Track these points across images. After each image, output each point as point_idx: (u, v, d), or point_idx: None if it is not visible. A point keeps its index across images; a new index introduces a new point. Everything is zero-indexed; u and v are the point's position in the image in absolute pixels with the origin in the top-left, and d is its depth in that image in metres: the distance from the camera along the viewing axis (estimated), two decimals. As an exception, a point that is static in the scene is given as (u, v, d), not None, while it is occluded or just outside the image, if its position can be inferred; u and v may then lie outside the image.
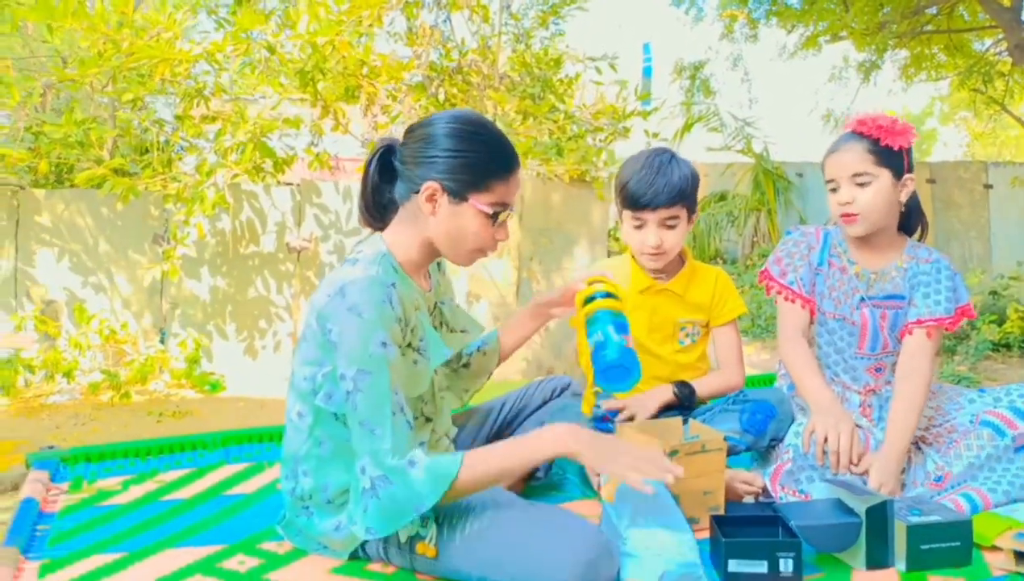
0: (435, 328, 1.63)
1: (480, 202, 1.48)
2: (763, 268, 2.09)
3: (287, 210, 4.82)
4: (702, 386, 2.02)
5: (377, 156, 1.57)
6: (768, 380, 2.75)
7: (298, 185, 4.93)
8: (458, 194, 1.48)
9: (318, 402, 1.48)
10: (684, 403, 1.97)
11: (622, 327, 1.54)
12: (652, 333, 2.04)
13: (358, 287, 1.41)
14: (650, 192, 1.90)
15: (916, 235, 2.05)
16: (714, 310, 2.06)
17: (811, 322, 2.02)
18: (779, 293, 2.01)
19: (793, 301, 1.99)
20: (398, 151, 1.55)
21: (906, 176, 1.91)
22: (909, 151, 1.91)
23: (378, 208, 1.60)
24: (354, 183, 4.99)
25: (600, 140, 5.29)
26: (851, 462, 1.76)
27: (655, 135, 5.34)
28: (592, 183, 5.05)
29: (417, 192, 1.49)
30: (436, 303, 1.67)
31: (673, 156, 1.97)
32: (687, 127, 8.92)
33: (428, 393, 1.62)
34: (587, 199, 5.13)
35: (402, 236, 1.55)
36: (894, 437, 1.80)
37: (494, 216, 1.49)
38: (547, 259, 5.13)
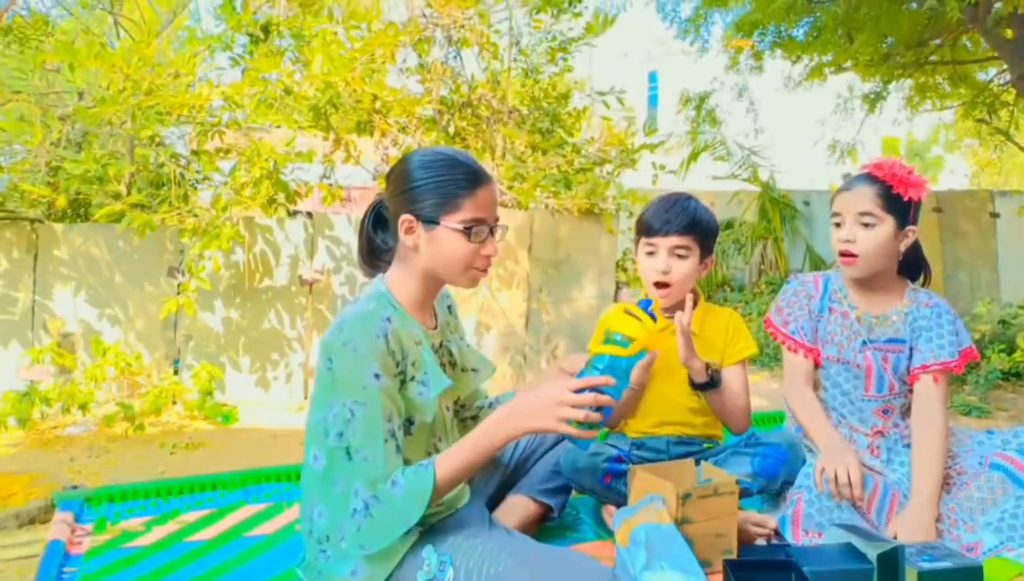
0: (442, 366, 1.67)
1: (451, 222, 1.53)
2: (766, 316, 2.15)
3: (300, 243, 4.89)
4: (724, 393, 2.00)
5: (372, 209, 1.67)
6: (778, 418, 2.77)
7: (309, 215, 5.00)
8: (430, 219, 1.53)
9: (331, 443, 1.52)
10: (711, 378, 1.96)
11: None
12: (668, 375, 2.06)
13: (353, 323, 1.48)
14: (663, 218, 1.97)
15: (919, 281, 2.09)
16: (727, 349, 2.08)
17: (815, 368, 2.07)
18: (783, 342, 2.07)
19: (796, 351, 2.05)
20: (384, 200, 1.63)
21: (909, 227, 1.96)
22: (918, 204, 1.96)
23: (372, 255, 1.69)
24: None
25: (607, 172, 5.36)
26: (860, 496, 1.78)
27: (662, 167, 5.42)
28: (601, 215, 5.11)
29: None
30: (442, 342, 1.71)
31: (693, 197, 2.04)
32: (693, 156, 8.99)
33: (440, 429, 1.66)
34: (596, 231, 5.19)
35: (399, 275, 1.61)
36: (921, 488, 1.82)
37: (467, 232, 1.53)
38: (556, 290, 5.18)
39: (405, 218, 1.55)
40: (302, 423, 1.62)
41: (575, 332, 5.17)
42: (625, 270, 6.00)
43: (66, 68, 4.22)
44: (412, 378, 1.55)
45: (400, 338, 1.52)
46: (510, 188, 5.05)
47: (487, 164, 5.21)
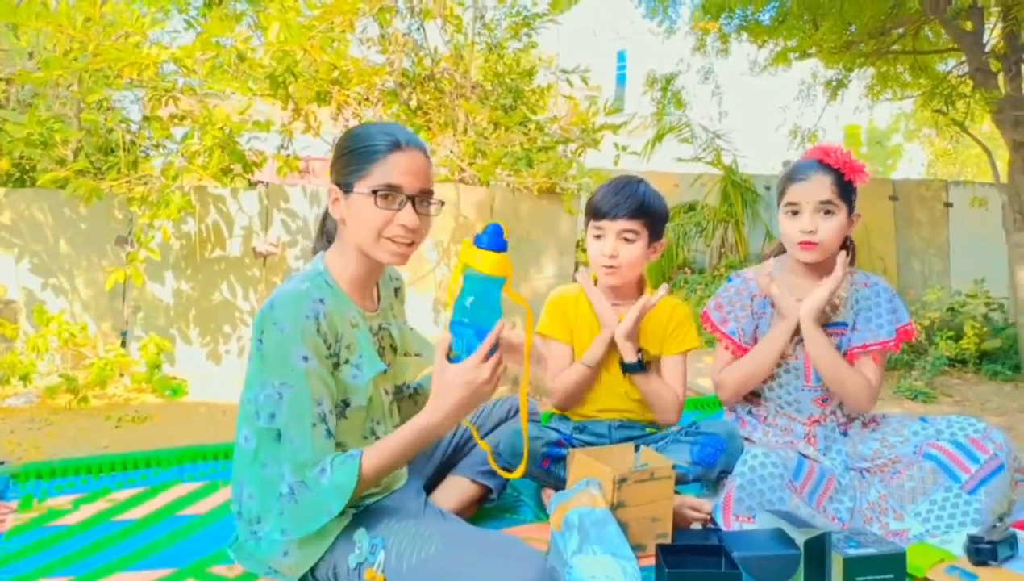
0: (381, 349, 1.65)
1: (362, 187, 1.49)
2: (704, 310, 2.15)
3: (254, 214, 4.79)
4: (652, 378, 2.01)
5: None
6: (716, 403, 2.80)
7: (266, 186, 4.89)
8: (347, 187, 1.50)
9: (261, 423, 1.48)
10: (639, 361, 1.99)
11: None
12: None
13: (284, 301, 1.45)
14: (611, 202, 1.97)
15: (848, 258, 2.08)
16: (667, 339, 2.07)
17: None
18: (719, 339, 2.10)
19: (729, 349, 2.09)
20: None
21: (855, 213, 1.99)
22: (856, 190, 1.98)
23: (325, 233, 1.68)
24: (322, 187, 4.98)
25: (570, 151, 5.33)
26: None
27: (624, 148, 5.40)
28: (561, 195, 5.09)
29: None
30: (381, 324, 1.68)
31: (643, 181, 2.02)
32: (658, 137, 8.99)
33: (378, 413, 1.63)
34: (556, 210, 5.17)
35: (336, 253, 1.59)
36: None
37: (374, 194, 1.48)
38: (515, 269, 5.15)
39: (331, 188, 1.53)
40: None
41: (533, 312, 5.15)
42: (584, 250, 5.99)
43: (9, 32, 4.04)
44: (346, 361, 1.52)
45: (333, 320, 1.49)
46: (471, 164, 5.00)
47: (447, 139, 5.13)
